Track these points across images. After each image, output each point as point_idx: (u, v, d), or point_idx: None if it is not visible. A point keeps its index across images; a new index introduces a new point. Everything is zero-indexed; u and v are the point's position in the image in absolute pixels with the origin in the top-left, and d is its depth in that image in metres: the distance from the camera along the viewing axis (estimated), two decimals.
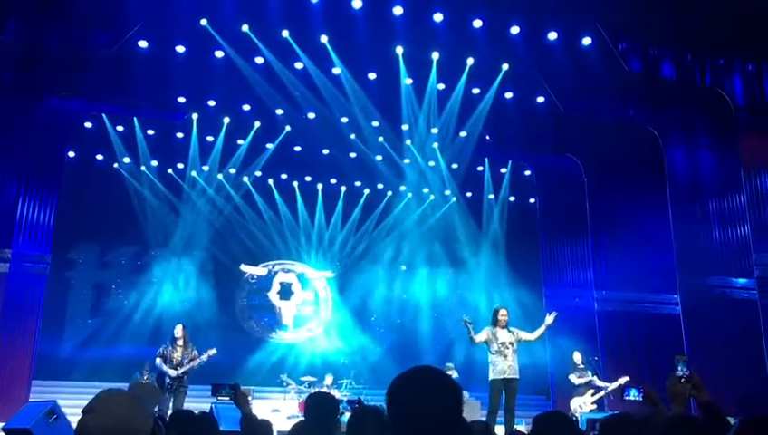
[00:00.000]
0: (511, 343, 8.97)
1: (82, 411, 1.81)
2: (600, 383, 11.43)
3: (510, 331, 9.12)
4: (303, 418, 4.23)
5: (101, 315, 15.53)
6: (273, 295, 17.05)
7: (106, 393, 1.89)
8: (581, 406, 11.18)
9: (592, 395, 11.29)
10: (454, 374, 13.07)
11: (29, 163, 11.90)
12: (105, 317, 15.38)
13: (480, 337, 9.04)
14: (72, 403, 10.28)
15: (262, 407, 12.32)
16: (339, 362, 15.50)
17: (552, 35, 12.25)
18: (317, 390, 12.55)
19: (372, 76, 13.45)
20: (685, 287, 12.87)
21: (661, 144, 13.42)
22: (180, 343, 10.52)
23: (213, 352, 10.73)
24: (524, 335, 9.18)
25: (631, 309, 13.85)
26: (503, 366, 8.89)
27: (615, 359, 12.93)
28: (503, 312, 9.20)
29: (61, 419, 8.25)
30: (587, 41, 12.33)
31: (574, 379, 11.62)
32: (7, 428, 8.09)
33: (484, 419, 9.46)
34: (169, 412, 9.71)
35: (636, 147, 13.79)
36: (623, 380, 11.12)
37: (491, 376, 9.00)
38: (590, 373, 11.55)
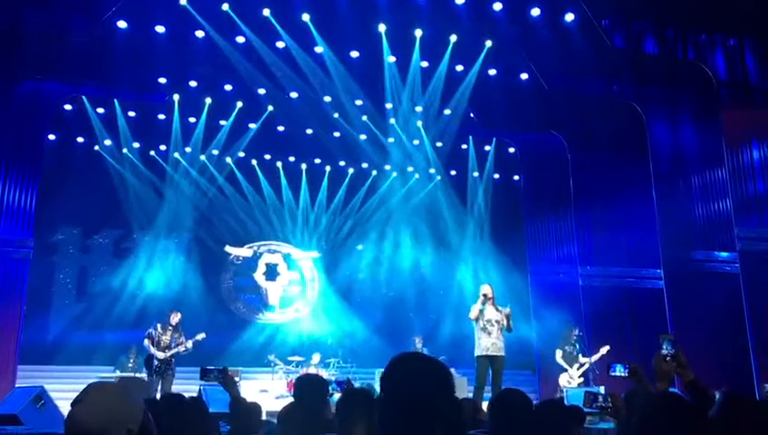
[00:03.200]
0: (497, 321, 9.03)
1: (71, 404, 1.80)
2: (582, 359, 11.58)
3: (498, 309, 9.17)
4: (292, 398, 4.24)
5: (86, 299, 15.46)
6: (259, 276, 17.04)
7: (95, 386, 1.88)
8: (569, 381, 11.33)
9: (578, 369, 11.44)
10: (420, 347, 13.19)
11: (9, 147, 11.76)
12: (90, 301, 15.32)
13: (472, 313, 9.10)
14: (59, 388, 10.27)
15: (250, 387, 12.37)
16: (326, 342, 15.57)
17: (535, 11, 12.21)
18: (305, 370, 12.62)
19: (355, 54, 13.36)
20: (668, 262, 13.00)
21: (644, 120, 13.47)
22: (171, 327, 10.57)
23: (201, 336, 10.79)
24: (506, 322, 9.16)
25: (615, 284, 13.99)
26: (486, 343, 8.96)
27: (599, 333, 13.05)
28: (484, 288, 9.25)
29: (48, 404, 8.25)
30: (570, 17, 12.30)
31: (558, 357, 11.74)
32: None
33: (471, 394, 9.58)
34: (158, 395, 9.74)
35: (619, 123, 13.84)
36: (604, 349, 11.29)
37: (476, 352, 9.08)
38: (577, 351, 11.67)
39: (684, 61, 12.79)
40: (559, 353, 11.76)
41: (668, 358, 3.45)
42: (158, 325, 10.67)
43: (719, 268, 12.71)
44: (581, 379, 11.41)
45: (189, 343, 10.60)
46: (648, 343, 10.99)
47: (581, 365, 11.47)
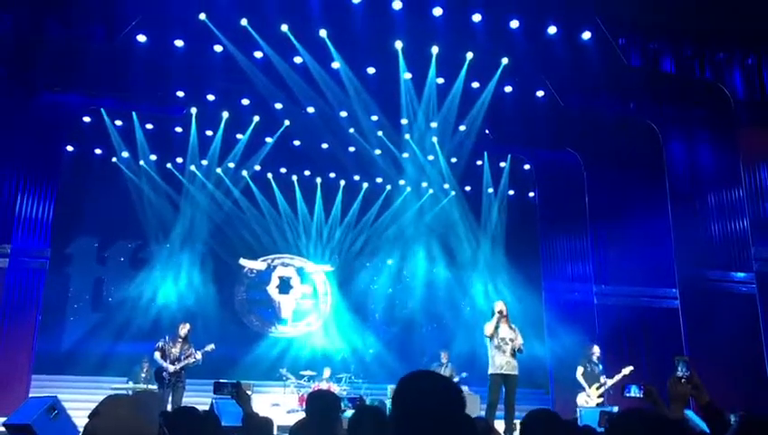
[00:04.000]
0: (511, 339, 8.99)
1: (89, 416, 1.82)
2: (602, 379, 11.40)
3: (512, 327, 9.14)
4: (304, 413, 4.24)
5: (101, 310, 15.56)
6: (272, 289, 17.07)
7: (111, 399, 1.90)
8: (587, 401, 11.16)
9: (597, 389, 11.26)
10: (445, 362, 13.11)
11: (27, 158, 11.89)
12: (105, 312, 15.42)
13: (487, 331, 9.06)
14: (73, 398, 10.34)
15: (262, 401, 12.37)
16: (338, 357, 15.56)
17: (552, 30, 12.23)
18: (316, 385, 12.61)
19: (371, 71, 13.43)
20: (683, 281, 12.89)
21: (660, 138, 13.41)
22: (181, 339, 10.59)
23: (211, 347, 10.80)
24: (519, 343, 9.13)
25: (630, 303, 13.87)
26: (500, 361, 8.92)
27: (614, 353, 12.94)
28: (498, 305, 9.21)
29: (62, 414, 8.28)
30: (586, 35, 12.31)
31: (579, 374, 11.52)
32: (8, 423, 8.11)
33: (483, 413, 9.52)
34: (168, 407, 9.76)
35: (635, 141, 13.79)
36: (627, 370, 11.09)
37: (490, 370, 9.03)
38: (599, 371, 11.47)
39: (701, 79, 12.74)
40: (580, 370, 11.56)
41: (683, 380, 3.41)
42: (168, 338, 10.69)
43: (735, 289, 12.58)
44: (600, 399, 11.22)
45: (198, 355, 10.61)
46: (662, 363, 10.88)
47: (602, 385, 11.28)
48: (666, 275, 13.34)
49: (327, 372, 13.42)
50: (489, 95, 13.63)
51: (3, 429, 8.18)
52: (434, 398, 1.96)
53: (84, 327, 15.26)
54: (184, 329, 10.73)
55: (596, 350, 11.72)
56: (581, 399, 11.30)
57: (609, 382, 11.22)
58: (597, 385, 11.25)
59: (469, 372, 13.00)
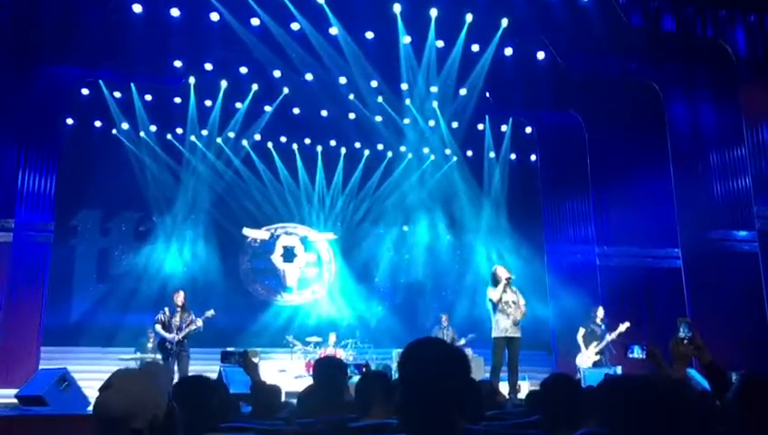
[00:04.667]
0: (514, 302, 9.06)
1: (99, 390, 1.85)
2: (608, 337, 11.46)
3: (514, 291, 9.20)
4: (311, 378, 4.29)
5: (107, 281, 15.65)
6: (276, 258, 17.14)
7: (122, 372, 1.93)
8: (585, 361, 11.29)
9: (595, 346, 11.38)
10: (446, 325, 13.23)
11: (28, 132, 11.87)
12: (110, 283, 15.51)
13: (495, 295, 9.09)
14: (82, 369, 10.48)
15: (269, 367, 12.51)
16: (343, 323, 15.68)
17: None
18: (322, 351, 12.74)
19: (370, 35, 13.30)
20: (686, 241, 12.93)
21: (662, 98, 13.33)
22: (179, 308, 10.71)
23: (211, 313, 10.91)
24: (523, 305, 9.20)
25: (633, 263, 13.93)
26: (505, 324, 8.99)
27: (616, 313, 13.00)
28: (503, 271, 9.26)
29: (72, 385, 8.41)
30: None
31: (580, 337, 11.62)
32: (20, 395, 8.24)
33: (487, 375, 9.64)
34: (175, 377, 9.89)
35: (637, 101, 13.70)
36: (623, 326, 11.21)
37: (494, 334, 9.10)
38: (602, 331, 11.54)
39: (702, 38, 12.60)
40: (581, 332, 11.67)
41: (685, 341, 3.46)
42: (166, 309, 10.80)
43: (738, 247, 12.61)
44: (597, 357, 11.35)
45: (199, 322, 10.73)
46: (665, 323, 10.97)
47: (599, 343, 11.41)
48: (668, 235, 13.37)
49: (332, 338, 13.54)
50: (489, 58, 13.51)
51: (15, 400, 8.31)
52: (438, 364, 2.00)
53: (90, 299, 15.36)
54: (179, 297, 10.85)
55: (600, 312, 11.79)
56: (580, 359, 11.43)
57: (607, 338, 11.33)
58: (595, 343, 11.35)
59: (474, 335, 13.09)
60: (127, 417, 1.79)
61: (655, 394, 1.91)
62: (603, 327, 11.63)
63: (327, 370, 4.02)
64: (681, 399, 1.92)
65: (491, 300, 9.14)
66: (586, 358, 11.35)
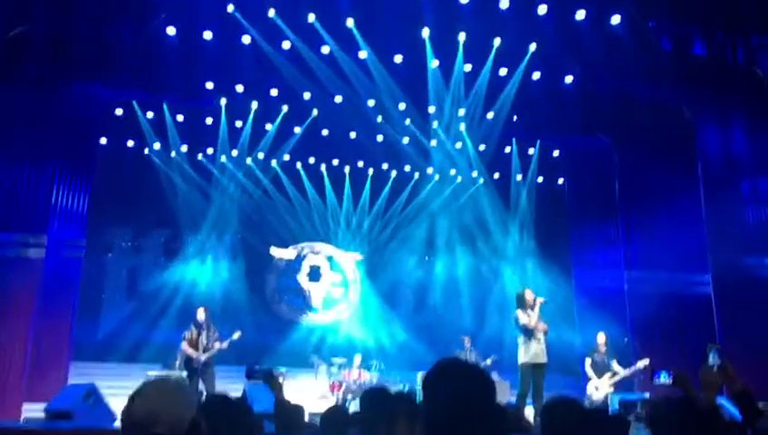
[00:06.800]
0: (544, 328, 8.98)
1: (129, 398, 1.89)
2: (617, 368, 11.12)
3: (540, 315, 9.13)
4: (334, 398, 4.28)
5: (136, 298, 15.86)
6: (302, 278, 17.23)
7: (151, 381, 1.97)
8: (597, 388, 10.98)
9: (610, 377, 11.05)
10: (468, 347, 13.12)
11: (62, 151, 12.08)
12: (140, 300, 15.71)
13: (532, 322, 8.97)
14: (109, 384, 10.57)
15: (293, 388, 12.49)
16: (367, 344, 15.67)
17: (581, 14, 12.09)
18: (347, 372, 12.71)
19: (399, 59, 13.40)
20: (717, 267, 12.71)
21: (693, 122, 13.20)
22: (204, 325, 10.76)
23: (237, 335, 10.94)
24: (546, 328, 9.13)
25: (662, 290, 13.68)
26: (536, 349, 8.89)
27: (645, 340, 12.83)
28: (532, 296, 9.18)
29: (99, 400, 8.51)
30: (616, 19, 12.15)
31: (588, 366, 11.33)
32: (49, 409, 8.36)
33: (512, 398, 9.53)
34: (201, 395, 9.94)
35: (666, 125, 13.57)
36: (642, 363, 10.84)
37: (522, 359, 8.99)
38: (613, 361, 11.25)
39: (734, 63, 12.51)
40: (588, 362, 11.42)
41: (716, 368, 3.42)
42: (193, 327, 10.85)
43: None
44: (611, 389, 10.97)
45: (225, 344, 10.77)
46: (695, 350, 10.76)
47: (614, 374, 11.05)
48: (698, 261, 13.15)
49: (357, 359, 13.53)
50: (517, 81, 13.51)
51: (44, 414, 8.43)
52: (463, 385, 1.99)
53: (120, 315, 15.56)
54: (201, 314, 10.87)
55: (600, 338, 11.43)
56: (591, 388, 11.11)
57: (623, 373, 10.98)
58: (609, 374, 11.02)
59: (499, 358, 12.97)
60: (149, 421, 1.83)
61: (681, 422, 1.90)
62: (607, 355, 11.26)
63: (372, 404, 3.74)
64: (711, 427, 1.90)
65: (525, 325, 9.00)
66: (596, 388, 11.00)
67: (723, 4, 11.75)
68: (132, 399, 1.89)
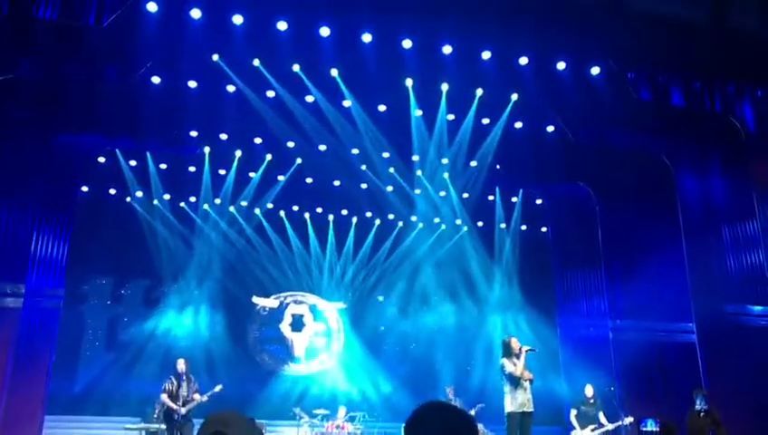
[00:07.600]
0: (530, 377, 8.88)
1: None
2: (603, 420, 11.08)
3: (525, 363, 9.03)
4: None
5: (114, 349, 15.53)
6: (285, 327, 17.01)
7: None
8: None
9: (592, 430, 10.97)
10: (452, 398, 12.95)
11: (42, 199, 12.00)
12: (118, 351, 15.38)
13: (518, 370, 8.85)
14: None
15: None
16: (352, 395, 15.40)
17: (561, 65, 12.33)
18: (331, 424, 12.45)
19: (382, 108, 13.54)
20: (700, 315, 12.73)
21: (672, 171, 13.38)
22: (184, 377, 10.57)
23: (219, 388, 10.75)
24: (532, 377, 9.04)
25: (646, 338, 13.66)
26: (522, 399, 8.76)
27: (631, 388, 12.74)
28: (518, 344, 9.09)
29: None
30: (595, 70, 12.40)
31: (573, 417, 11.27)
32: None
33: None
34: None
35: (647, 174, 13.74)
36: (628, 420, 10.83)
37: (509, 408, 8.84)
38: (600, 413, 11.19)
39: (711, 112, 12.76)
40: (573, 413, 11.34)
41: (702, 413, 3.37)
42: (173, 378, 10.66)
43: (753, 322, 12.40)
44: None
45: (206, 397, 10.58)
46: (680, 398, 10.69)
47: (598, 426, 10.97)
48: (682, 309, 13.16)
49: (342, 412, 13.29)
50: (499, 131, 13.69)
51: None
52: (447, 429, 1.94)
53: (98, 366, 15.21)
54: (182, 365, 10.71)
55: (588, 391, 11.45)
56: None
57: (608, 426, 10.96)
58: (592, 427, 10.97)
59: (484, 408, 12.78)
60: None
61: None
62: (595, 407, 11.24)
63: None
64: None
65: (511, 374, 8.88)
66: None
67: (700, 55, 12.03)
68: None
